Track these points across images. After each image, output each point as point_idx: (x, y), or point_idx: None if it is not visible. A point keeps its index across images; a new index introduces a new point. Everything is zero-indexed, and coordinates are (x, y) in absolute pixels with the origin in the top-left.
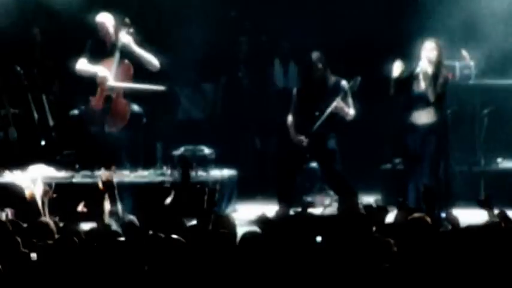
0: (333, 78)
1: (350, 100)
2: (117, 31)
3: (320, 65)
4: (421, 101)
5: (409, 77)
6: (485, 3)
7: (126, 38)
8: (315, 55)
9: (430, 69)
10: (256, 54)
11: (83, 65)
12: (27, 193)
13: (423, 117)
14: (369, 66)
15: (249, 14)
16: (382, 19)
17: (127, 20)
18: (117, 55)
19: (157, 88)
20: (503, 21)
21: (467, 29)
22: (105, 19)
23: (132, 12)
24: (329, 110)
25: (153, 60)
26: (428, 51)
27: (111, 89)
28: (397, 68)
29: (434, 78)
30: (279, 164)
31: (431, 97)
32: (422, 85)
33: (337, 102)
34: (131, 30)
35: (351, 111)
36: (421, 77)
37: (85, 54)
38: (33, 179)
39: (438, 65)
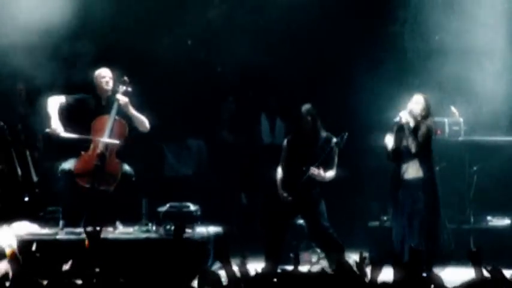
0: (324, 134)
1: (335, 159)
2: (113, 87)
3: (309, 118)
4: (407, 154)
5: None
6: (475, 60)
7: (124, 99)
8: (305, 107)
9: (411, 122)
10: (243, 111)
11: (54, 103)
12: (8, 252)
13: (410, 171)
14: (357, 120)
15: (236, 69)
16: (370, 75)
17: (126, 78)
18: (113, 112)
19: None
20: (492, 77)
21: (456, 85)
22: (106, 74)
23: (119, 67)
24: (307, 175)
25: (145, 122)
26: (413, 104)
27: (105, 147)
28: (390, 141)
29: (415, 129)
30: (266, 221)
31: (413, 148)
32: (404, 138)
33: (312, 170)
34: (129, 89)
35: (328, 175)
36: (403, 127)
37: (69, 97)
38: (14, 237)
39: (421, 118)
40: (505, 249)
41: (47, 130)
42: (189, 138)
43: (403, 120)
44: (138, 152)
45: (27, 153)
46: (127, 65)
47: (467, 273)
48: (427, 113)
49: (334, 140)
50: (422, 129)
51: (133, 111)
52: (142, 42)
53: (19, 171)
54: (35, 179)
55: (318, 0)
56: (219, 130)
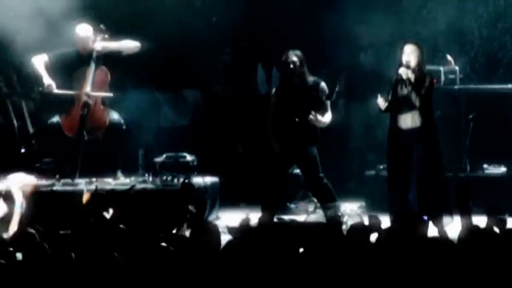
0: (311, 78)
1: (328, 104)
2: (94, 39)
3: (297, 62)
4: (406, 104)
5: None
6: (470, 8)
7: (100, 45)
8: (292, 52)
9: (411, 75)
10: (239, 61)
11: (39, 61)
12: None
13: (408, 121)
14: (354, 67)
15: (231, 18)
16: (366, 21)
17: (102, 26)
18: (92, 64)
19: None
20: (487, 25)
21: (451, 33)
22: (85, 33)
23: (112, 19)
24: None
25: (131, 44)
26: (406, 55)
27: (88, 97)
28: (382, 103)
29: (417, 82)
30: (262, 171)
31: (415, 102)
32: (405, 89)
33: (312, 116)
34: (106, 36)
35: (326, 119)
36: (404, 82)
37: (51, 54)
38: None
39: (419, 67)
40: (501, 197)
41: (40, 88)
42: (184, 89)
43: (404, 77)
44: (133, 102)
45: (23, 104)
46: (122, 15)
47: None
48: (422, 61)
49: (323, 84)
50: (427, 82)
51: (113, 45)
52: None
53: (15, 123)
54: (31, 130)
55: None
56: (213, 83)
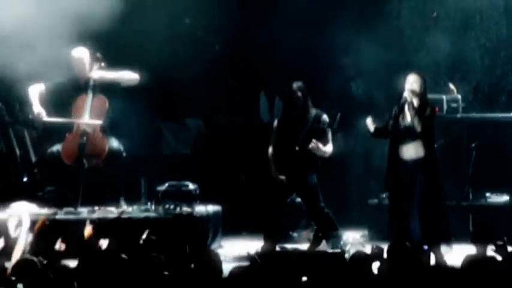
0: (313, 111)
1: (329, 134)
2: (91, 66)
3: (300, 95)
4: (408, 134)
5: (385, 126)
6: (472, 36)
7: (97, 73)
8: (296, 84)
9: (415, 101)
10: (241, 90)
11: (34, 91)
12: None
13: (411, 151)
14: (354, 98)
15: (233, 47)
16: (366, 50)
17: (98, 55)
18: (90, 93)
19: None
20: (490, 53)
21: (454, 62)
22: (82, 54)
23: (112, 49)
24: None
25: (130, 76)
26: (410, 84)
27: (87, 126)
28: (370, 124)
29: (419, 109)
30: (265, 199)
31: (418, 128)
32: (408, 118)
33: (313, 144)
34: (103, 64)
35: (328, 149)
36: (406, 109)
37: (48, 83)
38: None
39: (422, 96)
40: (504, 225)
41: (30, 116)
42: (187, 118)
43: (408, 99)
44: (136, 131)
45: (26, 133)
46: (123, 45)
47: (466, 250)
48: (425, 91)
49: (325, 116)
50: (427, 110)
51: (111, 75)
52: (139, 22)
53: (17, 152)
54: (33, 159)
55: None
56: (216, 112)
